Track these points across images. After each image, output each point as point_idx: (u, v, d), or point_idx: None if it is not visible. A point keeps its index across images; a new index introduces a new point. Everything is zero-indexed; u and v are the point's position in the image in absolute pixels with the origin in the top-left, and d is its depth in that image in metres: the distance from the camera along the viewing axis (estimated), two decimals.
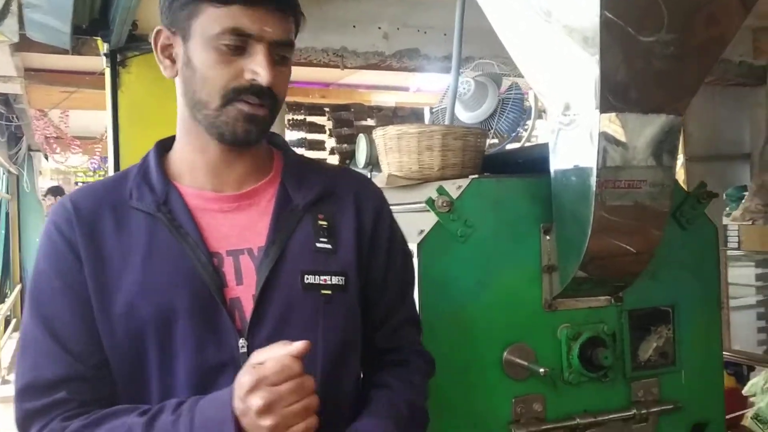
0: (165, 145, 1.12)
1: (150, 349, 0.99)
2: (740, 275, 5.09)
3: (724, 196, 4.81)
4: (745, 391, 4.01)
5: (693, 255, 1.62)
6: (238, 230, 1.05)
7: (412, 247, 1.41)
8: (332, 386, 1.05)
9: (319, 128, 4.57)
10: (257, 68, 0.99)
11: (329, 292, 1.05)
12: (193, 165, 1.07)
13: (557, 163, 1.45)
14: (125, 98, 3.23)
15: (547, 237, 1.50)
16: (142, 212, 1.03)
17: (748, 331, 5.03)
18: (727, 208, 4.78)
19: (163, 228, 1.01)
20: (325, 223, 1.08)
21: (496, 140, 2.21)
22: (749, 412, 3.89)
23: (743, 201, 4.54)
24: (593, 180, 1.35)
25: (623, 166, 1.36)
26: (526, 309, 1.48)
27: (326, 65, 3.74)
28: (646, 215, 1.42)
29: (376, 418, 1.06)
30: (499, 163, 1.72)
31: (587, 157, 1.36)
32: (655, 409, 1.55)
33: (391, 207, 1.57)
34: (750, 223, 4.36)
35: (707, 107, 5.12)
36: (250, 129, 1.02)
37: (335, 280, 1.06)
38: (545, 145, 1.49)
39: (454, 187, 1.47)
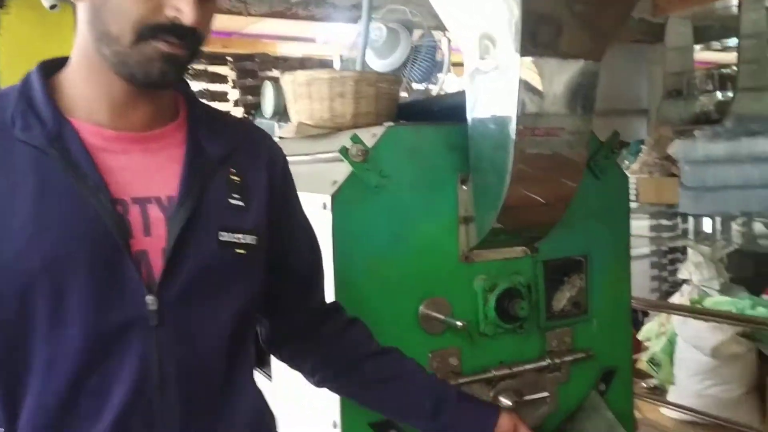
0: (49, 69, 0.96)
1: (38, 308, 0.86)
2: (635, 227, 5.33)
3: (623, 151, 4.98)
4: (640, 336, 4.22)
5: (605, 204, 1.62)
6: (144, 176, 0.94)
7: (325, 198, 1.33)
8: (237, 346, 1.00)
9: (222, 79, 4.37)
10: (181, 4, 0.87)
11: (243, 251, 0.97)
12: (90, 100, 0.94)
13: (475, 110, 1.40)
14: (5, 42, 2.95)
15: (464, 187, 1.45)
16: (30, 146, 0.88)
17: (642, 280, 5.30)
18: (626, 162, 4.96)
19: (56, 167, 0.88)
20: (237, 178, 1.00)
21: (405, 94, 2.15)
22: (644, 356, 4.10)
23: (641, 154, 4.71)
24: (512, 127, 1.31)
25: (542, 113, 1.32)
26: (442, 261, 1.44)
27: (229, 12, 3.55)
28: (563, 164, 1.39)
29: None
30: (414, 111, 1.66)
31: (506, 104, 1.32)
32: (568, 358, 1.56)
33: (301, 157, 1.48)
34: (648, 176, 4.53)
35: (607, 63, 5.26)
36: (166, 70, 0.90)
37: (249, 239, 0.98)
38: (462, 93, 1.44)
39: (368, 136, 1.39)
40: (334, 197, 1.33)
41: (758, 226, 5.52)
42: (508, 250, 1.51)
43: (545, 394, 1.53)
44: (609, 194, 1.63)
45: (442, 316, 1.42)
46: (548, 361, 1.54)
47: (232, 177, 0.99)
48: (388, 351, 1.21)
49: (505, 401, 1.47)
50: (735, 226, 5.42)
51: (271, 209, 1.04)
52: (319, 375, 1.21)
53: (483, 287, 1.47)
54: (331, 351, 1.19)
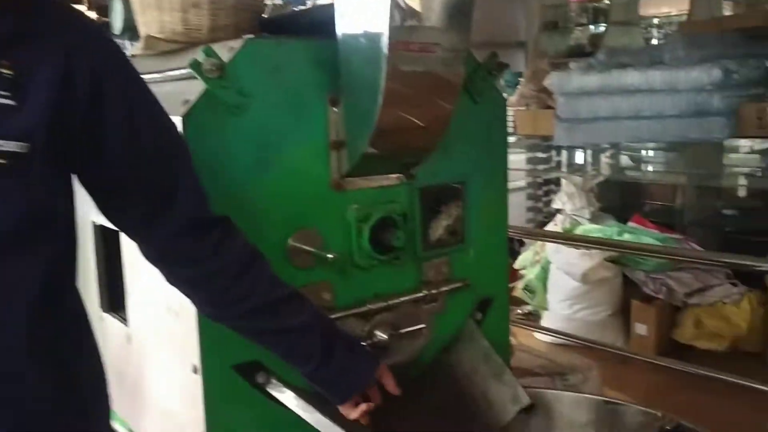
0: None
1: None
2: (513, 161, 5.45)
3: (502, 83, 5.01)
4: (516, 265, 4.35)
5: (483, 129, 1.56)
6: None
7: (176, 120, 1.18)
8: (17, 273, 0.87)
9: None
10: None
11: (3, 160, 0.82)
12: None
13: (344, 23, 1.28)
14: None
15: (335, 109, 1.34)
16: None
17: (518, 211, 5.45)
18: (504, 94, 5.00)
19: None
20: (9, 72, 0.83)
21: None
22: (519, 284, 4.23)
23: (518, 87, 4.76)
24: (384, 42, 1.20)
25: (416, 27, 1.22)
26: (312, 190, 1.33)
27: None
28: (439, 84, 1.30)
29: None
30: (279, 26, 1.50)
31: (378, 16, 1.20)
32: (444, 288, 1.51)
33: (151, 75, 1.32)
34: (525, 108, 4.58)
35: None
36: None
37: (13, 145, 0.82)
38: (331, 6, 1.31)
39: (225, 50, 1.24)
40: (185, 118, 1.18)
41: (624, 159, 5.80)
42: (383, 178, 1.42)
43: (421, 325, 1.48)
44: (487, 119, 1.57)
45: (312, 249, 1.32)
46: (425, 292, 1.49)
47: (2, 70, 0.83)
48: (290, 299, 1.15)
49: (380, 335, 1.41)
50: (604, 158, 5.66)
51: (67, 110, 0.88)
52: (210, 312, 1.14)
53: (356, 217, 1.38)
54: (224, 289, 1.09)
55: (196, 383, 1.24)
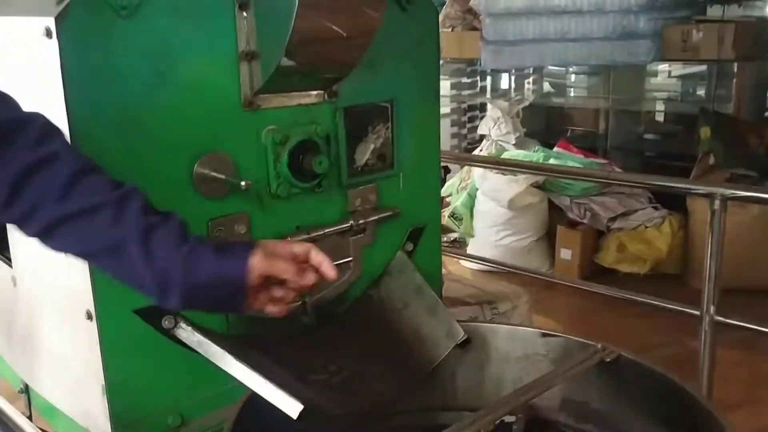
0: None
1: None
2: None
3: None
4: (442, 192, 4.28)
5: (413, 41, 1.41)
6: None
7: (48, 22, 0.98)
8: None
9: None
10: None
11: None
12: None
13: None
14: None
15: (245, 14, 1.16)
16: None
17: (443, 137, 5.38)
18: None
19: None
20: None
21: None
22: (446, 212, 4.17)
23: (444, 7, 4.58)
24: None
25: None
26: (220, 108, 1.16)
27: None
28: None
29: None
30: None
31: None
32: (373, 218, 1.39)
33: None
34: (450, 29, 4.43)
35: None
36: None
37: None
38: None
39: None
40: (60, 20, 0.97)
41: (546, 85, 5.77)
42: (302, 95, 1.26)
43: (348, 258, 1.36)
44: (417, 29, 1.42)
45: (222, 176, 1.16)
46: (351, 222, 1.36)
47: None
48: (96, 211, 0.91)
49: None
50: (527, 84, 5.60)
51: None
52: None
53: (273, 140, 1.22)
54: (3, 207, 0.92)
55: (91, 331, 1.09)
